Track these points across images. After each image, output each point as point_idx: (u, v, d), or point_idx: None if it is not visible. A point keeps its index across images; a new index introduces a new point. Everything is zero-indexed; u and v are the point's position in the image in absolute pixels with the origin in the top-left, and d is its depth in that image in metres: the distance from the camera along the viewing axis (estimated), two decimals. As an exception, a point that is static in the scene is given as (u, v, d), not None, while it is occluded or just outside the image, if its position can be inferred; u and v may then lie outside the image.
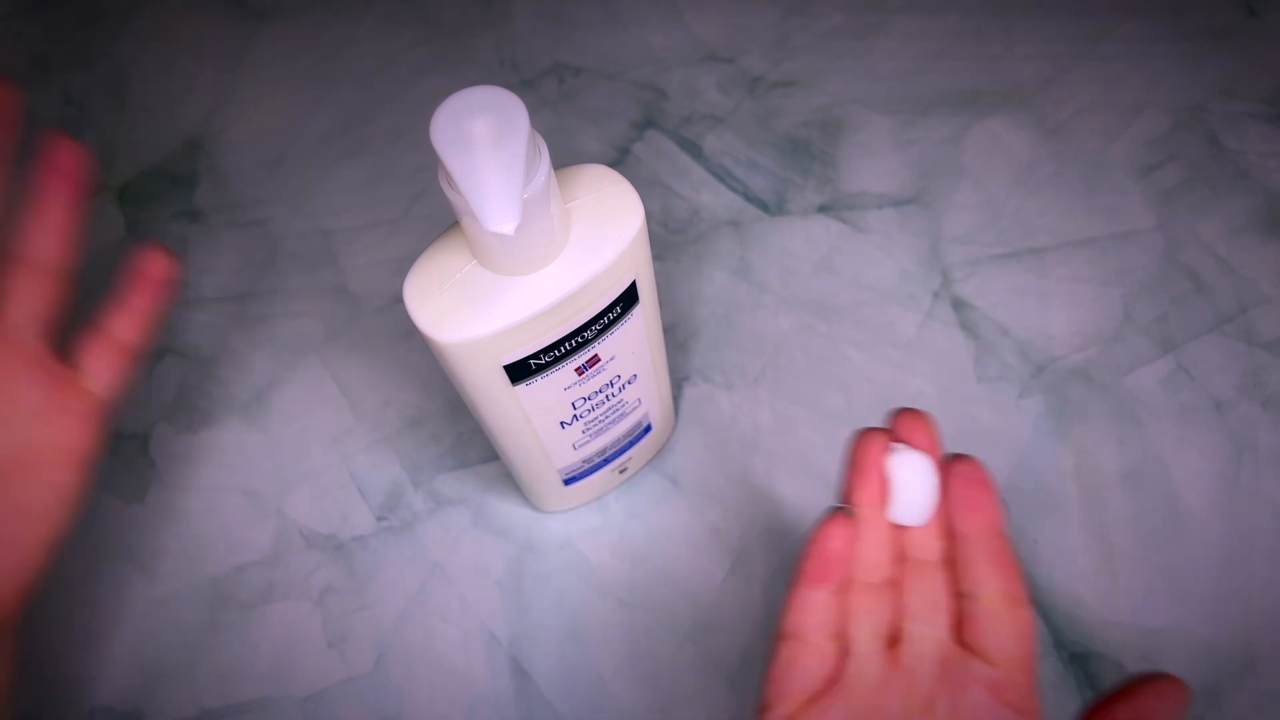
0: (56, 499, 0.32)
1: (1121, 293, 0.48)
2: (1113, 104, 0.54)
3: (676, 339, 0.48)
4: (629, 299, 0.33)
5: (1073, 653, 0.39)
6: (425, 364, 0.48)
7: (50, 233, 0.32)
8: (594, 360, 0.34)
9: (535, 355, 0.32)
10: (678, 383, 0.47)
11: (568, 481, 0.41)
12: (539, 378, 0.33)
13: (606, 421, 0.39)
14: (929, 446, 0.28)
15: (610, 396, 0.37)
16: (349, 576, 0.43)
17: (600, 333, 0.33)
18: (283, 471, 0.47)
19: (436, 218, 0.53)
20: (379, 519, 0.45)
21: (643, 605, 0.42)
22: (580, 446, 0.39)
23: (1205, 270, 0.48)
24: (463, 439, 0.46)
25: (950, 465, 0.28)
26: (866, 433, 0.28)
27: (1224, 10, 0.57)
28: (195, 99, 0.60)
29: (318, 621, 0.42)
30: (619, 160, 0.54)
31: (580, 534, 0.44)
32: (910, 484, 0.28)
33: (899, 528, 0.29)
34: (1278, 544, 0.41)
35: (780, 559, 0.42)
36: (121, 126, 0.59)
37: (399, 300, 0.31)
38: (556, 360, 0.33)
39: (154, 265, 0.35)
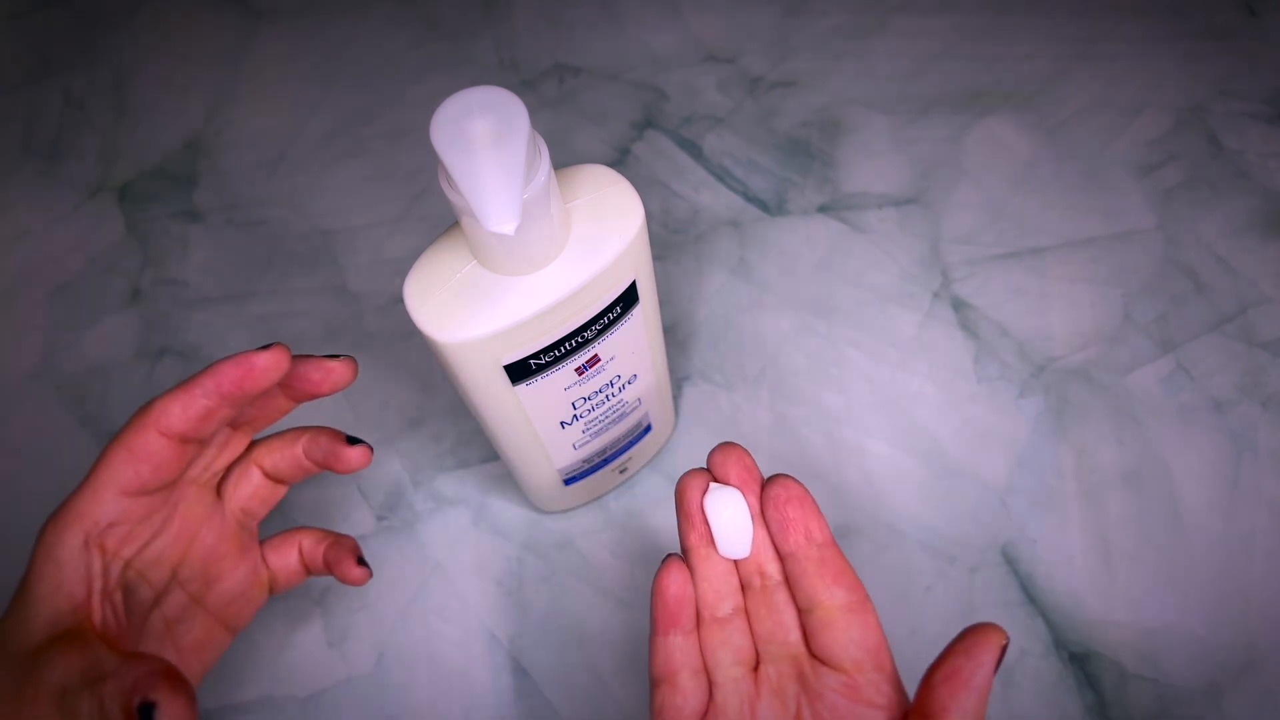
0: (203, 670, 0.33)
1: (1121, 293, 0.48)
2: (1113, 104, 0.54)
3: (676, 339, 0.48)
4: (629, 299, 0.33)
5: (1072, 653, 0.39)
6: (425, 364, 0.48)
7: (296, 461, 0.34)
8: (594, 360, 0.34)
9: (535, 355, 0.32)
10: (678, 383, 0.47)
11: (568, 481, 0.41)
12: (539, 378, 0.33)
13: (606, 421, 0.39)
14: (741, 478, 0.30)
15: (610, 396, 0.37)
16: (349, 576, 0.43)
17: (600, 333, 0.33)
18: (283, 471, 0.47)
19: (436, 218, 0.53)
20: (379, 519, 0.45)
21: (643, 605, 0.42)
22: (580, 446, 0.39)
23: (1205, 270, 0.48)
24: (463, 439, 0.46)
25: (765, 489, 0.30)
26: (686, 476, 0.31)
27: (1224, 10, 0.57)
28: (195, 99, 0.60)
29: (318, 621, 0.42)
30: (619, 160, 0.54)
31: (580, 534, 0.44)
32: (724, 521, 0.30)
33: (734, 560, 0.30)
34: (1277, 544, 0.41)
35: (780, 559, 0.42)
36: (121, 126, 0.59)
37: (399, 300, 0.31)
38: (556, 360, 0.33)
39: (351, 572, 0.35)
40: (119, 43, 0.63)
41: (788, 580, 0.30)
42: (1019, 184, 0.51)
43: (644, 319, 0.35)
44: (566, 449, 0.38)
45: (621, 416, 0.39)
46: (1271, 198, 0.50)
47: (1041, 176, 0.52)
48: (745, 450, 0.31)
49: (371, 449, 0.34)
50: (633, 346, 0.36)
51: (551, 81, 0.58)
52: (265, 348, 0.30)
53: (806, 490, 0.30)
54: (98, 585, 0.29)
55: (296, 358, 0.32)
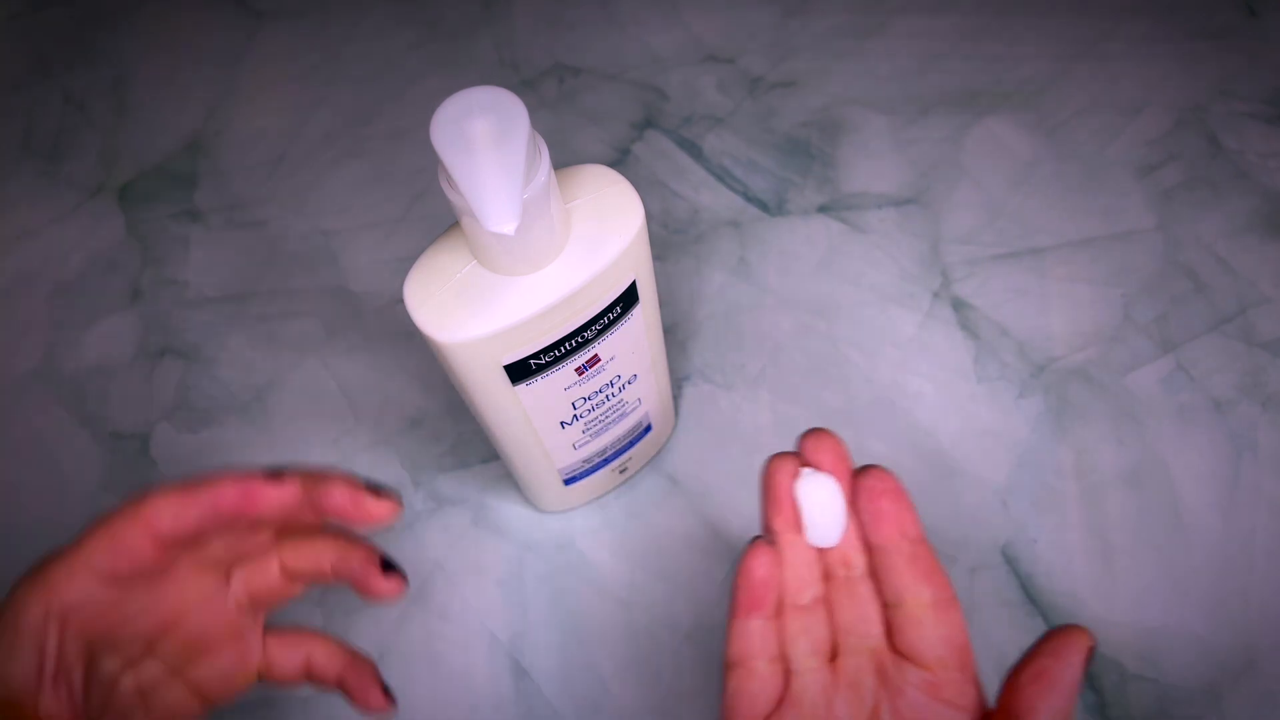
0: None
1: (1121, 293, 0.48)
2: (1113, 104, 0.54)
3: (676, 339, 0.48)
4: (629, 299, 0.33)
5: (1073, 653, 0.39)
6: (425, 364, 0.48)
7: (321, 572, 0.31)
8: (594, 360, 0.34)
9: (535, 355, 0.32)
10: (678, 383, 0.47)
11: (568, 481, 0.41)
12: (539, 378, 0.33)
13: (606, 421, 0.39)
14: (835, 465, 0.29)
15: (610, 396, 0.37)
16: (349, 576, 0.43)
17: (600, 333, 0.33)
18: (283, 471, 0.46)
19: (436, 218, 0.53)
20: (379, 519, 0.45)
21: (643, 605, 0.42)
22: (580, 446, 0.39)
23: (1205, 270, 0.48)
24: (463, 439, 0.46)
25: (858, 479, 0.29)
26: (775, 459, 0.30)
27: (1224, 10, 0.57)
28: (195, 99, 0.60)
29: (318, 621, 0.42)
30: (619, 160, 0.54)
31: (580, 534, 0.44)
32: (817, 507, 0.29)
33: (820, 548, 0.30)
34: (1277, 543, 0.41)
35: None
36: (121, 126, 0.59)
37: (399, 300, 0.31)
38: (556, 360, 0.33)
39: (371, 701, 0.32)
40: (119, 43, 0.63)
41: (874, 573, 0.29)
42: (1019, 184, 0.51)
43: (644, 319, 0.35)
44: (566, 449, 0.38)
45: (621, 416, 0.39)
46: (1271, 198, 0.50)
47: (1041, 176, 0.52)
48: (839, 438, 0.30)
49: (406, 579, 0.31)
50: (633, 346, 0.36)
51: (551, 81, 0.58)
52: (276, 474, 0.28)
53: (901, 484, 0.29)
54: (50, 666, 0.26)
55: (329, 479, 0.28)
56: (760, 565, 0.29)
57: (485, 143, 0.26)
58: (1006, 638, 0.40)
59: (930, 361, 0.47)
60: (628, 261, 0.32)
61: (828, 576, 0.30)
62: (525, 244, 0.29)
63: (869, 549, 0.29)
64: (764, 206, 0.52)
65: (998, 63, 0.56)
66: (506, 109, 0.27)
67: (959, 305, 0.48)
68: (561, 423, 0.37)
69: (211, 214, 0.55)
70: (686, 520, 0.44)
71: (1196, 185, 0.51)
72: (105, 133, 0.59)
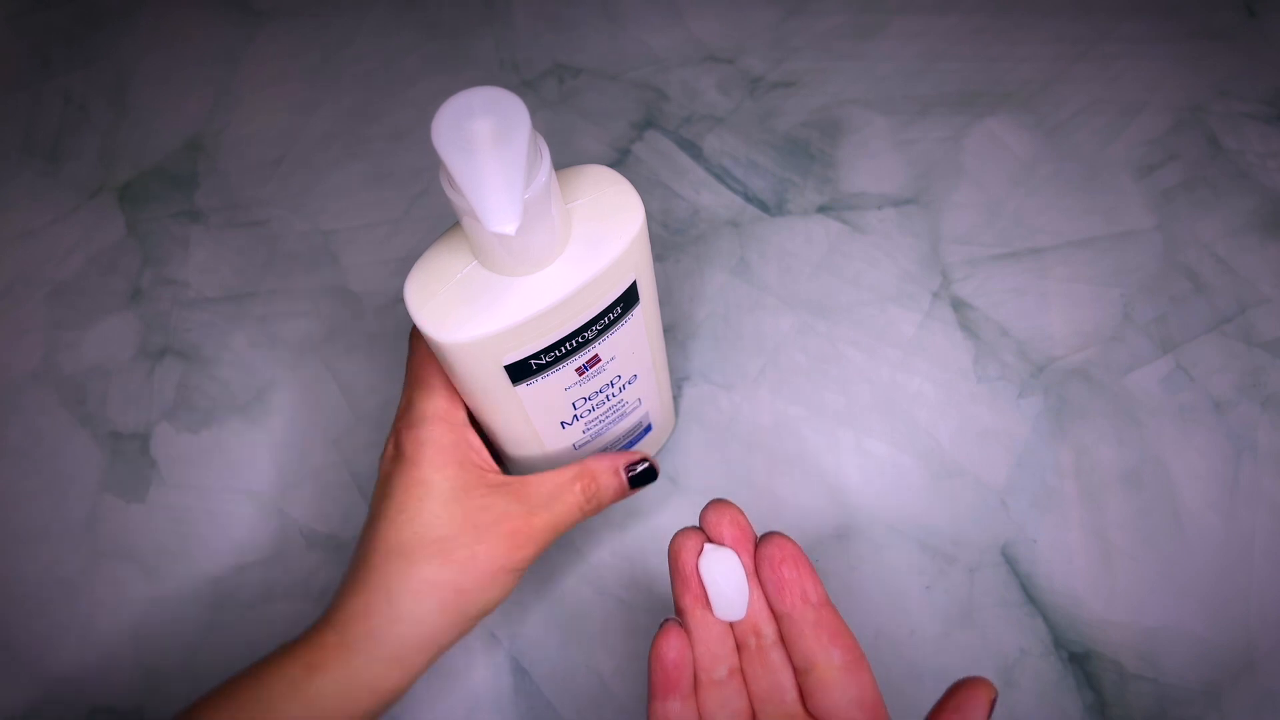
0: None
1: (1121, 293, 0.48)
2: (1113, 104, 0.54)
3: (676, 339, 0.48)
4: (629, 299, 0.33)
5: (1072, 653, 0.39)
6: (425, 364, 0.48)
7: None
8: (594, 360, 0.34)
9: (536, 355, 0.32)
10: (678, 383, 0.47)
11: (568, 481, 0.41)
12: (540, 378, 0.33)
13: (607, 421, 0.39)
14: (736, 537, 0.30)
15: (611, 396, 0.37)
16: (349, 576, 0.43)
17: (601, 333, 0.33)
18: (283, 471, 0.47)
19: (437, 218, 0.53)
20: (379, 519, 0.45)
21: (642, 605, 0.42)
22: (581, 446, 0.39)
23: (1205, 270, 0.48)
24: (463, 439, 0.46)
25: (759, 549, 0.30)
26: (679, 536, 0.31)
27: (1224, 10, 0.57)
28: (195, 99, 0.60)
29: (318, 614, 0.42)
30: (619, 160, 0.54)
31: (580, 534, 0.44)
32: (721, 583, 0.30)
33: (730, 621, 0.30)
34: (1277, 544, 0.41)
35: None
36: (121, 126, 0.59)
37: (399, 300, 0.31)
38: (557, 360, 0.33)
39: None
40: (119, 42, 0.63)
41: (783, 639, 0.30)
42: (1019, 184, 0.51)
43: (644, 319, 0.35)
44: (567, 449, 0.38)
45: (622, 416, 0.39)
46: (1271, 198, 0.50)
47: (1041, 176, 0.52)
48: (738, 508, 0.31)
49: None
50: (633, 346, 0.36)
51: (551, 81, 0.58)
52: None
53: (800, 548, 0.30)
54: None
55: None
56: (671, 648, 0.29)
57: (486, 143, 0.26)
58: (1007, 638, 0.40)
59: (930, 361, 0.47)
60: (628, 262, 0.32)
61: (741, 647, 0.31)
62: (526, 244, 0.29)
63: (777, 617, 0.30)
64: (764, 206, 0.52)
65: (998, 63, 0.56)
66: (507, 109, 0.27)
67: (959, 305, 0.48)
68: (562, 423, 0.37)
69: (211, 214, 0.55)
70: (686, 520, 0.44)
71: (1196, 185, 0.51)
72: (105, 133, 0.59)
